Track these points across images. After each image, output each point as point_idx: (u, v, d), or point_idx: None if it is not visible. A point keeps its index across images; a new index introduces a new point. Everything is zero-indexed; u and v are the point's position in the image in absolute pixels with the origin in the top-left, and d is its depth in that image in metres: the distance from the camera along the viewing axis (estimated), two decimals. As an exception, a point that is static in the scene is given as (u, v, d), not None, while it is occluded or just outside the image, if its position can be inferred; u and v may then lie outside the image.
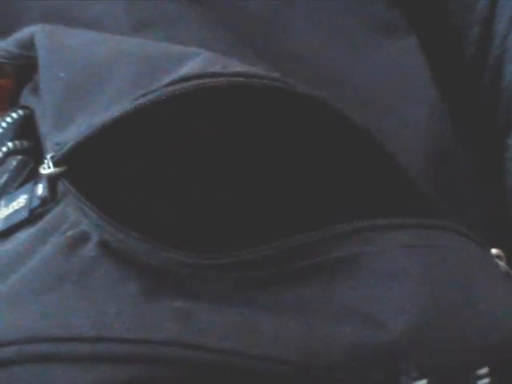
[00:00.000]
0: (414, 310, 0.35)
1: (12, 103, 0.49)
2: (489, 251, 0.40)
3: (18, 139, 0.44)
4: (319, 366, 0.34)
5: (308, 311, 0.35)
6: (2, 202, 0.41)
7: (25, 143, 0.43)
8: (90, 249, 0.36)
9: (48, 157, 0.38)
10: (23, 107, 0.45)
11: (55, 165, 0.38)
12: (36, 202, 0.39)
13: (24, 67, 0.47)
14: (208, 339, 0.34)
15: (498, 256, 0.40)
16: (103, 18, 0.47)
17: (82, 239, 0.36)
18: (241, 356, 0.34)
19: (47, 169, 0.38)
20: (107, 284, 0.35)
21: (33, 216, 0.38)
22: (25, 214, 0.39)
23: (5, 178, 0.42)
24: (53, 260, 0.36)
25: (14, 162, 0.43)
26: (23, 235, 0.38)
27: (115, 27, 0.46)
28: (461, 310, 0.36)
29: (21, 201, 0.40)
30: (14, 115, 0.44)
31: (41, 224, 0.38)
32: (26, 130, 0.44)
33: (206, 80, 0.37)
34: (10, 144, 0.44)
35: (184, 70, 0.38)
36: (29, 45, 0.43)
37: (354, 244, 0.37)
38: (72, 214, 0.37)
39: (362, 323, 0.35)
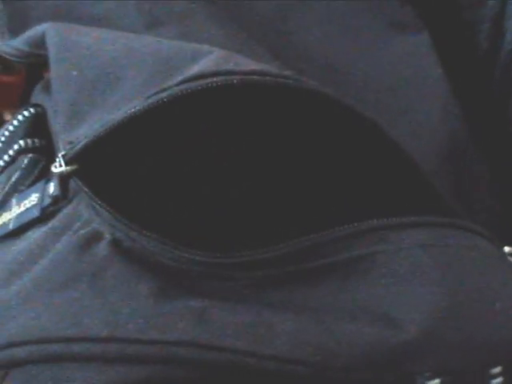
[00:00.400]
0: (429, 310, 0.35)
1: (23, 101, 0.50)
2: (502, 249, 0.40)
3: (29, 137, 0.44)
4: (335, 367, 0.34)
5: (323, 310, 0.35)
6: (14, 201, 0.41)
7: (36, 141, 0.43)
8: (102, 248, 0.36)
9: (60, 155, 0.38)
10: (35, 105, 0.45)
11: (67, 163, 0.37)
12: (47, 201, 0.39)
13: (34, 65, 0.47)
14: (222, 339, 0.34)
15: (511, 254, 0.40)
16: (113, 15, 0.47)
17: (94, 238, 0.36)
18: (255, 356, 0.34)
19: (59, 167, 0.38)
20: (120, 284, 0.35)
21: (44, 214, 0.39)
22: (36, 213, 0.39)
23: (16, 175, 0.42)
24: (65, 259, 0.36)
25: (25, 160, 0.43)
26: (35, 234, 0.38)
27: (126, 24, 0.46)
28: (476, 309, 0.36)
29: (32, 199, 0.40)
30: (26, 113, 0.45)
31: (53, 222, 0.38)
32: (38, 128, 0.44)
33: (219, 78, 0.37)
34: (21, 142, 0.44)
35: (197, 69, 0.38)
36: (40, 43, 0.43)
37: (370, 243, 0.37)
38: (84, 212, 0.37)
39: (378, 323, 0.35)
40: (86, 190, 0.37)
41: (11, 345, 0.34)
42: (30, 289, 0.35)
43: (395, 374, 0.35)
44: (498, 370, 0.36)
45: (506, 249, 0.40)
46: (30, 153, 0.43)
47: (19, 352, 0.34)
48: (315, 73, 0.46)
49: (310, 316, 0.35)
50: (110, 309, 0.34)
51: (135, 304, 0.34)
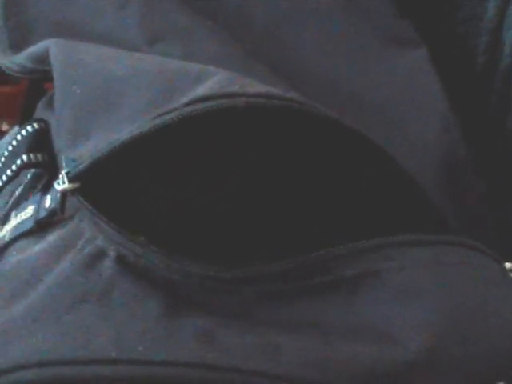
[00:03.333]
0: (431, 328, 0.36)
1: (25, 114, 0.50)
2: (503, 266, 0.40)
3: (32, 152, 0.44)
4: None
5: (328, 329, 0.36)
6: (13, 213, 0.41)
7: (39, 156, 0.44)
8: (107, 265, 0.36)
9: (63, 173, 0.38)
10: (38, 120, 0.45)
11: (70, 181, 0.38)
12: (43, 213, 0.39)
13: (36, 78, 0.47)
14: (231, 360, 0.34)
15: (511, 270, 0.41)
16: (115, 31, 0.47)
17: (99, 255, 0.36)
18: (263, 376, 0.34)
19: (62, 184, 0.38)
20: (127, 303, 0.35)
21: (39, 227, 0.39)
22: (30, 224, 0.39)
23: (19, 190, 0.43)
24: (72, 279, 0.36)
25: (28, 175, 0.43)
26: (35, 248, 0.38)
27: (127, 40, 0.46)
28: (477, 326, 0.37)
29: (28, 211, 0.40)
30: (29, 128, 0.45)
31: (55, 240, 0.38)
32: (41, 143, 0.44)
33: (225, 100, 0.37)
34: (24, 157, 0.44)
35: (202, 90, 0.38)
36: (43, 59, 0.44)
37: (374, 260, 0.37)
38: (87, 229, 0.37)
39: (382, 341, 0.35)
40: (89, 207, 0.37)
41: (19, 367, 0.34)
42: (37, 309, 0.35)
43: None
44: (500, 385, 0.37)
45: (507, 265, 0.40)
46: (33, 168, 0.43)
47: (28, 375, 0.34)
48: (315, 86, 0.46)
49: (315, 335, 0.35)
50: (119, 330, 0.34)
51: (144, 324, 0.35)
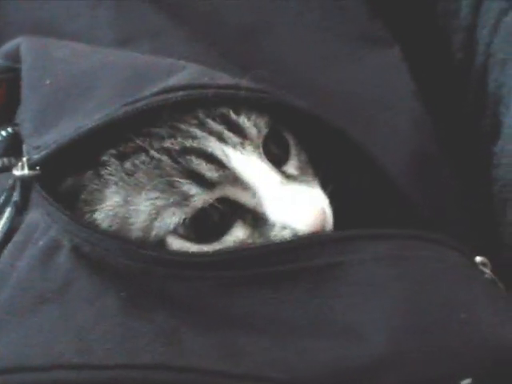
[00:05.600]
0: (393, 322, 0.35)
1: (4, 115, 0.50)
2: (473, 259, 0.40)
3: (7, 156, 0.44)
4: (302, 383, 0.34)
5: (290, 325, 0.35)
6: None
7: (13, 160, 0.44)
8: (63, 258, 0.36)
9: (24, 159, 0.37)
10: (14, 124, 0.45)
11: (30, 167, 0.37)
12: (13, 212, 0.38)
13: (15, 81, 0.47)
14: (191, 361, 0.34)
15: (483, 263, 0.40)
16: (88, 32, 0.47)
17: (53, 248, 0.36)
18: (226, 376, 0.34)
19: (20, 171, 0.37)
20: (86, 299, 0.35)
21: (13, 229, 0.38)
22: (8, 225, 0.38)
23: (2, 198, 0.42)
24: (29, 278, 0.36)
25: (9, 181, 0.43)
26: (6, 250, 0.37)
27: (100, 40, 0.47)
28: (442, 321, 0.36)
29: (6, 214, 0.39)
30: (3, 133, 0.44)
31: (16, 236, 0.37)
32: (17, 147, 0.44)
33: (194, 91, 0.37)
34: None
35: (172, 81, 0.38)
36: (15, 56, 0.44)
37: (335, 253, 0.37)
38: (41, 220, 0.37)
39: (344, 336, 0.35)
40: (44, 194, 0.37)
41: None
42: (1, 314, 0.35)
43: None
44: (467, 382, 0.36)
45: (478, 258, 0.40)
46: (7, 171, 0.43)
47: None
48: (288, 85, 0.46)
49: (277, 333, 0.35)
50: (79, 333, 0.34)
51: (104, 325, 0.34)
